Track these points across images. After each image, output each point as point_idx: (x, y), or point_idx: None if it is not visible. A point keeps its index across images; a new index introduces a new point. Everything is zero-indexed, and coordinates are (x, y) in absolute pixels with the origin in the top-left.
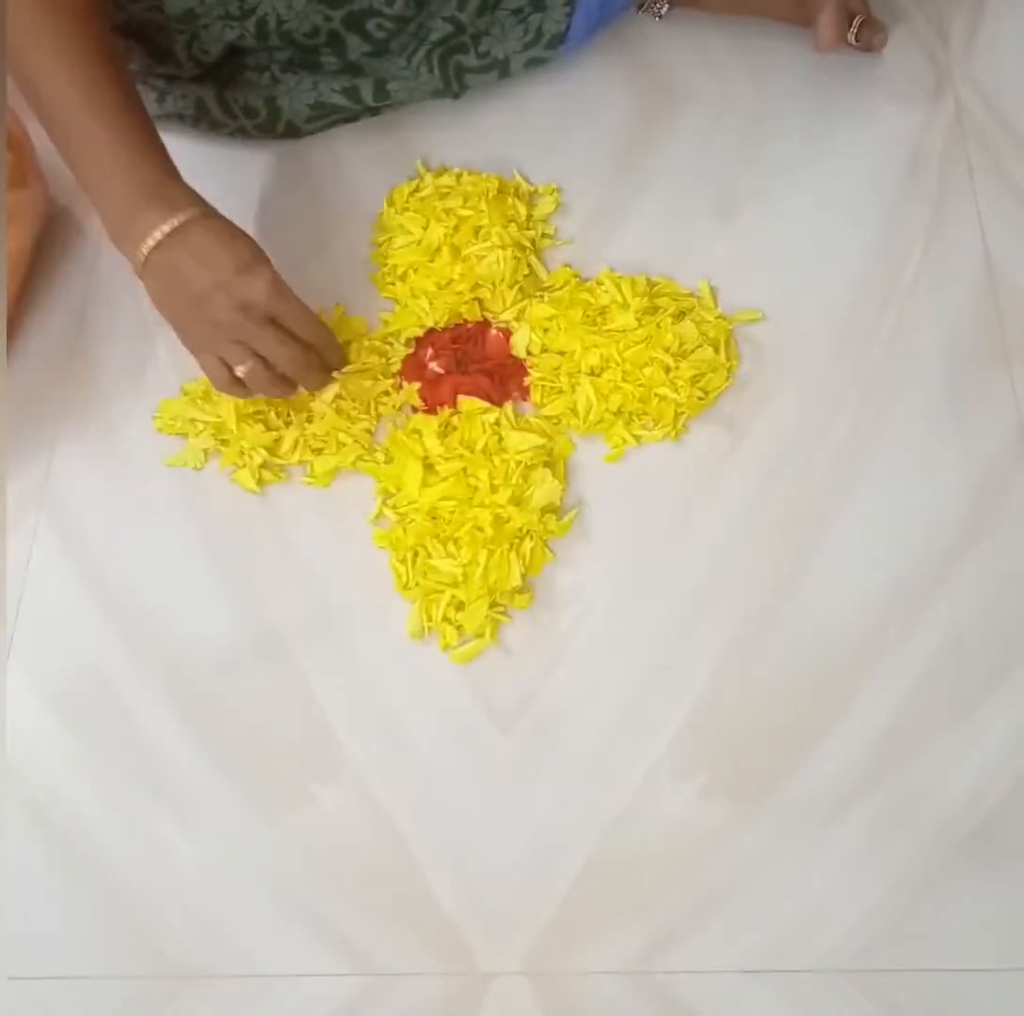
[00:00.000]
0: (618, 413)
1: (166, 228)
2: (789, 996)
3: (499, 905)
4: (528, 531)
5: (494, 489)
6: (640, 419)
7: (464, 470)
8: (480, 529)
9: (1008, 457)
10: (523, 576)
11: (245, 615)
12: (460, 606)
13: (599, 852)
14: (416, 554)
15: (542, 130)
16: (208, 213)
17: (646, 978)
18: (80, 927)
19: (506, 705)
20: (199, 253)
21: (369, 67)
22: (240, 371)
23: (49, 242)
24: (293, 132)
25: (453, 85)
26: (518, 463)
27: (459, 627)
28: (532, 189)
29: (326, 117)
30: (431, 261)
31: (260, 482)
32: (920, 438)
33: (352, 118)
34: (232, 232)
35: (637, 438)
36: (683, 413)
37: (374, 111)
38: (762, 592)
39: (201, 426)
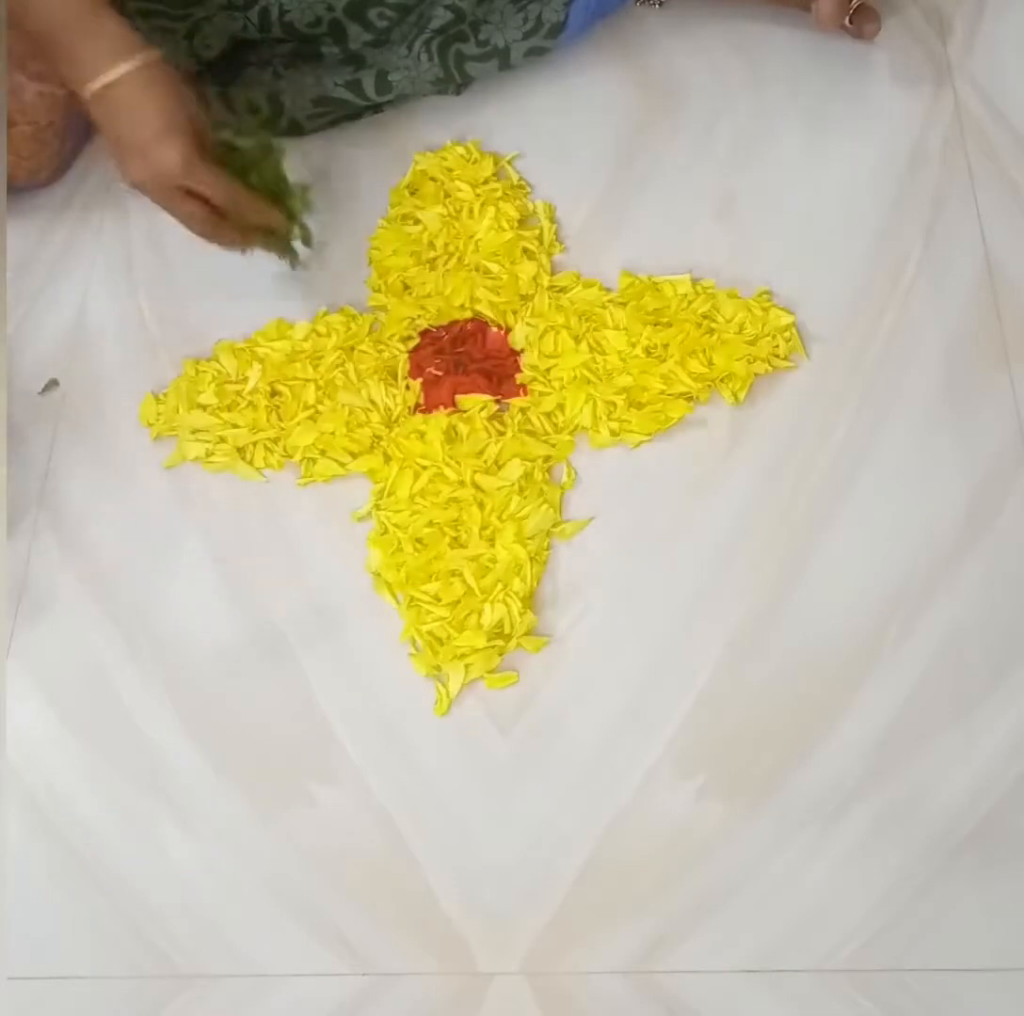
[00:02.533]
0: (618, 406)
1: (107, 79)
2: (788, 996)
3: (499, 905)
4: (505, 588)
5: (484, 526)
6: (641, 410)
7: (455, 498)
8: (459, 575)
9: (1008, 457)
10: (499, 633)
11: (245, 615)
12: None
13: (599, 852)
14: (407, 590)
15: (542, 130)
16: (148, 63)
17: (646, 978)
18: (80, 927)
19: (506, 705)
20: (127, 111)
21: (371, 57)
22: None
23: (50, 239)
24: (296, 129)
25: (454, 74)
26: (510, 490)
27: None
28: (532, 206)
29: (329, 113)
30: (429, 267)
31: (260, 470)
32: (920, 438)
33: (355, 116)
34: (163, 90)
35: (647, 433)
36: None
37: (377, 108)
38: (762, 592)
39: (198, 432)
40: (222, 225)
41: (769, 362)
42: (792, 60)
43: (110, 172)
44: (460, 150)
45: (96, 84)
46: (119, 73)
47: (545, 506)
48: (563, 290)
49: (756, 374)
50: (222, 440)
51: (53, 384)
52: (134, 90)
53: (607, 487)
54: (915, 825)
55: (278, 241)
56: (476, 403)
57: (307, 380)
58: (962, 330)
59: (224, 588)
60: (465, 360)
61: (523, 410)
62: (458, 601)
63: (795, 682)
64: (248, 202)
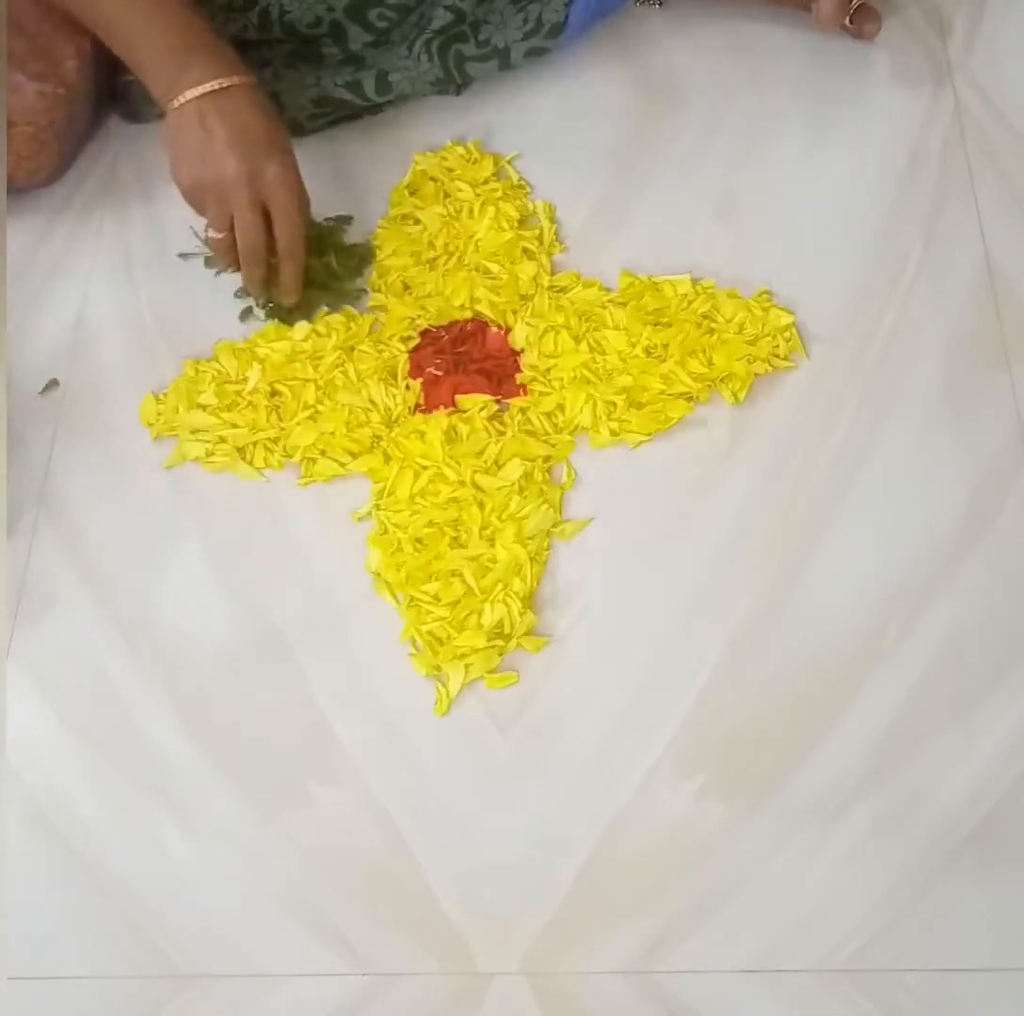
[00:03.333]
0: (618, 406)
1: (214, 85)
2: (789, 996)
3: (499, 905)
4: (505, 589)
5: (484, 526)
6: (641, 410)
7: (455, 498)
8: (459, 575)
9: (1008, 457)
10: (499, 633)
11: (245, 614)
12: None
13: (599, 852)
14: (407, 590)
15: (542, 130)
16: (256, 86)
17: (646, 978)
18: (80, 927)
19: (506, 704)
20: (234, 113)
21: (371, 58)
22: (212, 233)
23: (50, 239)
24: (296, 130)
25: (454, 75)
26: (510, 490)
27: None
28: (532, 206)
29: (329, 113)
30: (429, 267)
31: (260, 470)
32: (920, 438)
33: (355, 116)
34: (272, 113)
35: (647, 433)
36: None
37: (376, 108)
38: (762, 592)
39: (197, 432)
40: (262, 256)
41: (769, 362)
42: (792, 60)
43: (109, 173)
44: (460, 150)
45: (198, 90)
46: (230, 82)
47: (545, 506)
48: (563, 290)
49: (756, 374)
50: (222, 440)
51: (53, 384)
52: (242, 100)
53: (607, 487)
54: (915, 825)
55: (285, 305)
56: (476, 403)
57: (307, 380)
58: (962, 330)
59: (224, 588)
60: (465, 360)
61: (523, 410)
62: (458, 601)
63: (795, 682)
64: (301, 256)
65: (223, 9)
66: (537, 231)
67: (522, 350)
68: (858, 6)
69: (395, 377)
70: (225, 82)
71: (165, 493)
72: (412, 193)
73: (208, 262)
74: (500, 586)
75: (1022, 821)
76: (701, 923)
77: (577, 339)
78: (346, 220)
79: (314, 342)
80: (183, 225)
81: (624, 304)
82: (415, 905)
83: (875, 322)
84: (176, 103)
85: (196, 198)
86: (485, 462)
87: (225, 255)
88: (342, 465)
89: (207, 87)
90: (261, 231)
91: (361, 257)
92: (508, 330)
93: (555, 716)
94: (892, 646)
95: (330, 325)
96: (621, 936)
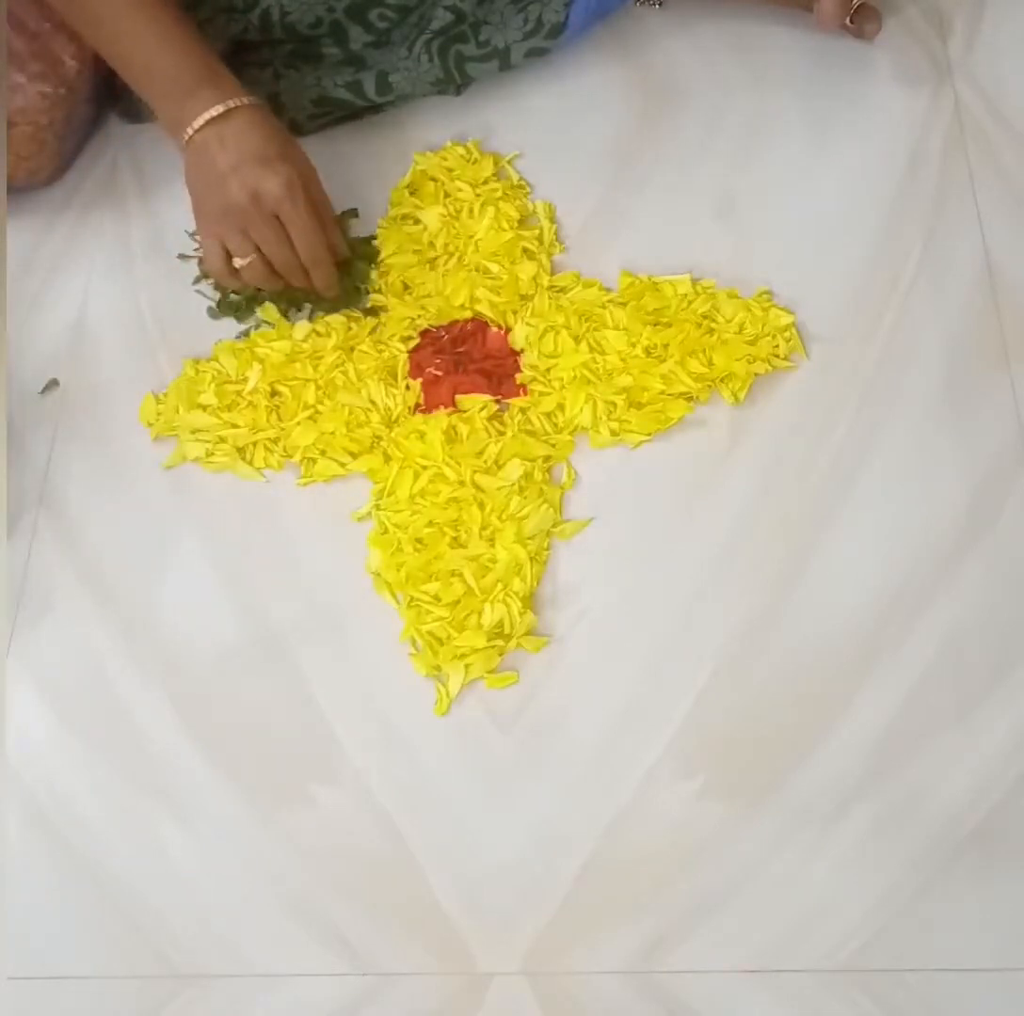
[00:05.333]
0: (618, 406)
1: (215, 112)
2: (789, 996)
3: (499, 905)
4: (505, 589)
5: (484, 526)
6: (641, 410)
7: (455, 498)
8: (459, 575)
9: (1008, 457)
10: (499, 633)
11: (245, 614)
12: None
13: (599, 852)
14: (407, 590)
15: (542, 130)
16: (257, 105)
17: (646, 978)
18: (80, 927)
19: (506, 704)
20: (234, 137)
21: (371, 58)
22: (238, 262)
23: (50, 239)
24: (296, 130)
25: (454, 75)
26: (510, 490)
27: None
28: (532, 206)
29: (329, 114)
30: (429, 267)
31: (260, 470)
32: (920, 438)
33: (355, 116)
34: (272, 128)
35: (647, 433)
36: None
37: (377, 108)
38: (762, 592)
39: (197, 432)
40: (299, 269)
41: (769, 362)
42: (792, 60)
43: (109, 173)
44: (460, 150)
45: (202, 119)
46: (228, 107)
47: (545, 506)
48: (563, 290)
49: (756, 374)
50: (222, 440)
51: (53, 384)
52: (242, 122)
53: (607, 487)
54: (915, 825)
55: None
56: (476, 403)
57: (307, 380)
58: (962, 330)
59: (224, 588)
60: (465, 360)
61: (523, 410)
62: (458, 601)
63: (795, 682)
64: (326, 259)
65: (224, 11)
66: (537, 231)
67: (522, 350)
68: (858, 6)
69: (395, 377)
70: (223, 107)
71: (165, 493)
72: (412, 193)
73: (197, 277)
74: (500, 586)
75: (1022, 821)
76: (701, 923)
77: (577, 339)
78: (351, 213)
79: (314, 342)
80: (182, 226)
81: (624, 304)
82: (415, 905)
83: (875, 322)
84: (185, 137)
85: (214, 230)
86: (485, 462)
87: (265, 280)
88: (342, 465)
89: (208, 115)
90: (284, 245)
91: (369, 254)
92: (508, 330)
93: (555, 716)
94: (892, 646)
95: (330, 325)
96: (621, 936)
